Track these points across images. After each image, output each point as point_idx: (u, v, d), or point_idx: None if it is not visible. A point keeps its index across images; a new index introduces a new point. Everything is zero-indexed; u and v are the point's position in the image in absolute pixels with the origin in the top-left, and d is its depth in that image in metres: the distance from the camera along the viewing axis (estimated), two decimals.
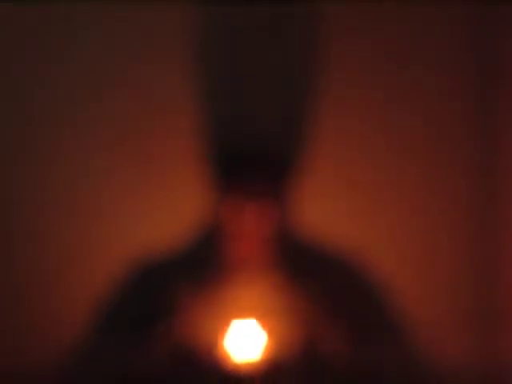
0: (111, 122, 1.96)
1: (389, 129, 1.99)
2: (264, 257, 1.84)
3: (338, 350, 1.79)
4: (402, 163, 1.99)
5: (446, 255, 1.99)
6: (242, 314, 1.73)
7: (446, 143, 1.99)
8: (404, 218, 1.99)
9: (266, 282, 1.81)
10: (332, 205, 1.98)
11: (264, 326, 1.70)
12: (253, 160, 1.87)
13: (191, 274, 1.85)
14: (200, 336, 1.75)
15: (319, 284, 1.84)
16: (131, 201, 1.96)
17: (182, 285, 1.82)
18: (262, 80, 1.97)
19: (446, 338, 1.96)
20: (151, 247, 1.94)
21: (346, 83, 1.96)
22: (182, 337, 1.76)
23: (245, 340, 1.68)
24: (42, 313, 1.93)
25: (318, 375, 1.76)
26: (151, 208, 1.96)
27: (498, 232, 1.97)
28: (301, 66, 1.97)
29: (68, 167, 1.96)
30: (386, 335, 1.92)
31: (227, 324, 1.71)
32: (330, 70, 1.95)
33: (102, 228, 1.96)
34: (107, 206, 1.96)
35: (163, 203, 1.95)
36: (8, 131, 1.96)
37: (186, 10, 1.94)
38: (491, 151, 1.98)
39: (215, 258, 1.87)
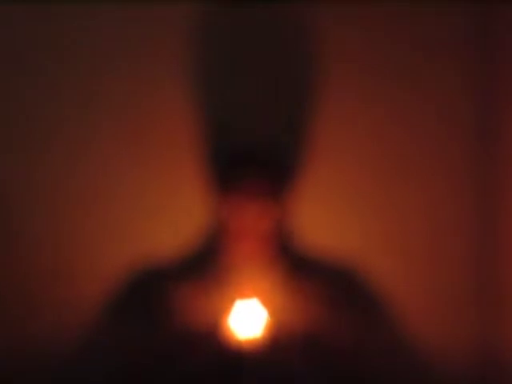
0: (112, 124, 1.96)
1: (389, 131, 1.99)
2: (264, 255, 1.85)
3: (337, 330, 1.82)
4: (402, 165, 2.00)
5: (448, 251, 2.00)
6: (245, 295, 1.77)
7: (446, 146, 2.00)
8: (404, 214, 2.00)
9: (267, 274, 1.83)
10: (332, 205, 1.99)
11: (265, 305, 1.74)
12: (253, 161, 1.88)
13: (193, 271, 1.86)
14: (204, 315, 1.77)
15: (318, 281, 1.86)
16: (132, 201, 1.96)
17: (184, 279, 1.84)
18: (262, 81, 1.98)
19: (448, 317, 1.98)
20: (153, 247, 1.95)
21: (347, 84, 1.97)
22: (185, 318, 1.79)
23: (247, 318, 1.72)
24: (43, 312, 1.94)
25: (316, 352, 1.79)
26: (152, 208, 1.96)
27: (500, 232, 1.98)
28: (301, 66, 1.97)
29: (69, 169, 1.97)
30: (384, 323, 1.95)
31: (231, 304, 1.74)
32: (330, 71, 1.96)
33: (103, 228, 1.96)
34: (108, 206, 1.96)
35: (164, 203, 1.96)
36: (8, 131, 1.96)
37: (186, 10, 1.95)
38: (491, 155, 1.99)
39: (217, 256, 1.87)
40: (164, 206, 1.96)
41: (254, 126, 1.98)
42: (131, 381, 1.82)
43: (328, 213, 1.99)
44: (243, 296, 1.75)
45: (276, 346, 1.73)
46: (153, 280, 1.91)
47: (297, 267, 1.88)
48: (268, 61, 1.97)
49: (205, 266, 1.88)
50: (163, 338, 1.80)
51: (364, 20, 1.96)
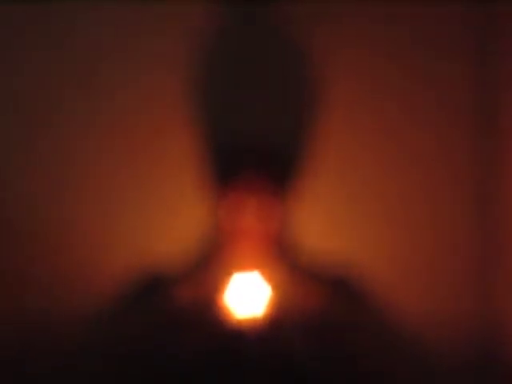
0: (113, 124, 1.96)
1: (390, 131, 1.99)
2: (264, 254, 1.84)
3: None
4: (404, 165, 2.00)
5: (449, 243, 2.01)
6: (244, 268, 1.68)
7: (446, 150, 2.00)
8: (405, 213, 2.01)
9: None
10: (332, 205, 1.98)
11: (267, 279, 1.60)
12: (253, 157, 1.87)
13: (195, 272, 1.87)
14: (202, 292, 1.75)
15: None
16: (133, 202, 1.96)
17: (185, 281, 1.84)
18: (264, 81, 1.97)
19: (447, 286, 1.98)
20: (153, 249, 1.95)
21: (348, 84, 1.97)
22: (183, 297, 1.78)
23: (247, 294, 1.60)
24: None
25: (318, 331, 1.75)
26: (152, 209, 1.96)
27: (499, 218, 1.98)
28: (302, 66, 1.97)
29: (70, 170, 1.97)
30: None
31: (229, 278, 1.65)
32: (332, 70, 1.96)
33: (104, 229, 1.96)
34: (109, 206, 1.96)
35: (164, 204, 1.96)
36: (7, 132, 1.96)
37: (186, 10, 1.95)
38: (491, 160, 1.99)
39: (218, 258, 1.87)
40: (165, 206, 1.96)
41: (255, 126, 1.98)
42: (131, 368, 1.82)
43: (328, 214, 1.99)
44: (242, 269, 1.63)
45: (277, 326, 1.64)
46: (154, 283, 1.91)
47: (295, 270, 1.87)
48: (269, 60, 1.97)
49: (206, 267, 1.87)
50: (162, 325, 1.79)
51: (364, 20, 1.96)
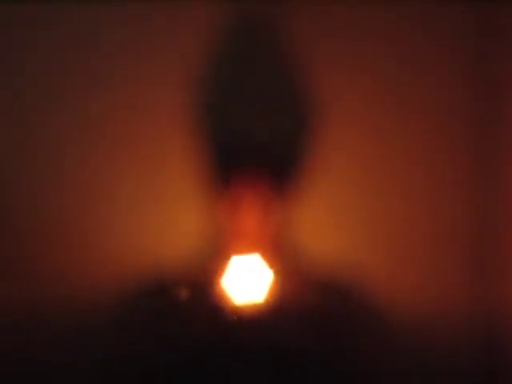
0: (113, 123, 1.95)
1: (390, 131, 1.99)
2: (264, 253, 1.84)
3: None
4: (404, 167, 2.00)
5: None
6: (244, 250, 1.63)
7: (446, 152, 2.00)
8: (408, 212, 2.00)
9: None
10: (334, 207, 1.98)
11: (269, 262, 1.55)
12: (253, 157, 1.87)
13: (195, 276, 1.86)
14: (201, 291, 1.72)
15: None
16: (131, 201, 1.96)
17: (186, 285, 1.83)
18: (263, 77, 1.97)
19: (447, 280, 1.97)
20: (153, 248, 1.94)
21: (347, 83, 1.97)
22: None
23: (246, 278, 1.55)
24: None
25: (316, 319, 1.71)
26: (152, 209, 1.96)
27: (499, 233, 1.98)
28: (304, 65, 1.97)
29: (72, 168, 1.96)
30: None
31: (227, 261, 1.59)
32: (333, 70, 1.95)
33: (104, 229, 1.96)
34: (109, 206, 1.96)
35: (164, 204, 1.95)
36: (7, 132, 1.96)
37: (185, 9, 1.95)
38: (491, 160, 1.98)
39: (217, 255, 1.86)
40: (164, 206, 1.96)
41: (255, 126, 1.97)
42: (131, 366, 1.81)
43: (329, 214, 1.98)
44: (242, 251, 1.59)
45: (277, 315, 1.60)
46: (154, 283, 1.90)
47: (294, 270, 1.87)
48: (270, 60, 1.97)
49: (206, 266, 1.87)
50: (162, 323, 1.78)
51: (365, 20, 1.96)
